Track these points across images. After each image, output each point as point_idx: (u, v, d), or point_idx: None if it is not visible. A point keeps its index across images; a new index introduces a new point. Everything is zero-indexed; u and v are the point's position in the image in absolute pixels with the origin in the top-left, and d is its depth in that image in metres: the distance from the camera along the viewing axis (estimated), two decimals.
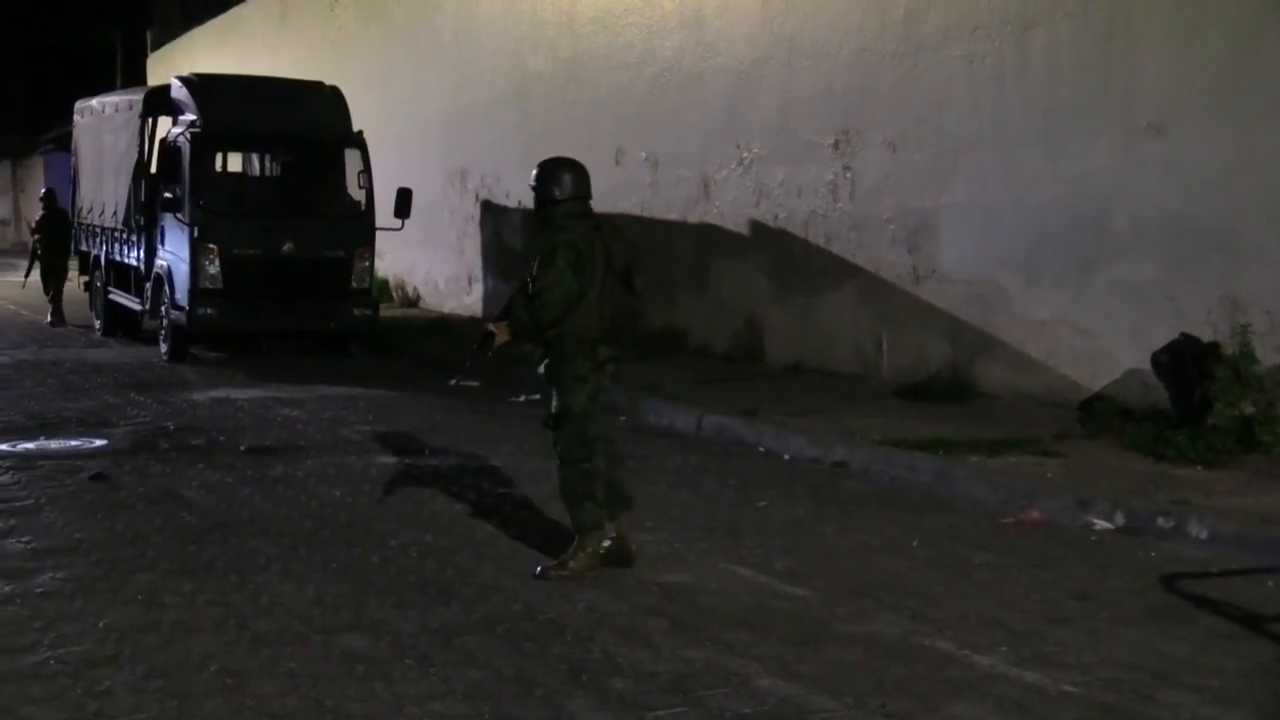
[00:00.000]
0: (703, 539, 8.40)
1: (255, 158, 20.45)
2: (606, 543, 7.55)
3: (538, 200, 7.63)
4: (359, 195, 17.92)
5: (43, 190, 25.31)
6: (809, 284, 15.10)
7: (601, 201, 19.61)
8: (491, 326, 7.69)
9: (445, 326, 20.14)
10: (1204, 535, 8.27)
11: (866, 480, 10.29)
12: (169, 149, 17.87)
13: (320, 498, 9.54)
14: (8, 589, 7.22)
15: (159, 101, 19.28)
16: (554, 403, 7.58)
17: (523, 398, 14.18)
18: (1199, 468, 9.68)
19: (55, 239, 23.21)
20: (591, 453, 7.49)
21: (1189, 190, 11.15)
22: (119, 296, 20.08)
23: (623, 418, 10.21)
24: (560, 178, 7.61)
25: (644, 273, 8.03)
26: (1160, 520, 8.54)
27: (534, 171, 7.71)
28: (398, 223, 17.94)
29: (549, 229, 7.52)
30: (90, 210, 21.54)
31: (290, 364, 17.08)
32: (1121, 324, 11.67)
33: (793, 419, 11.90)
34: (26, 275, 24.57)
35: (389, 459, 11.02)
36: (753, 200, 15.93)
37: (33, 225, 24.83)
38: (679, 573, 7.62)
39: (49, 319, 22.27)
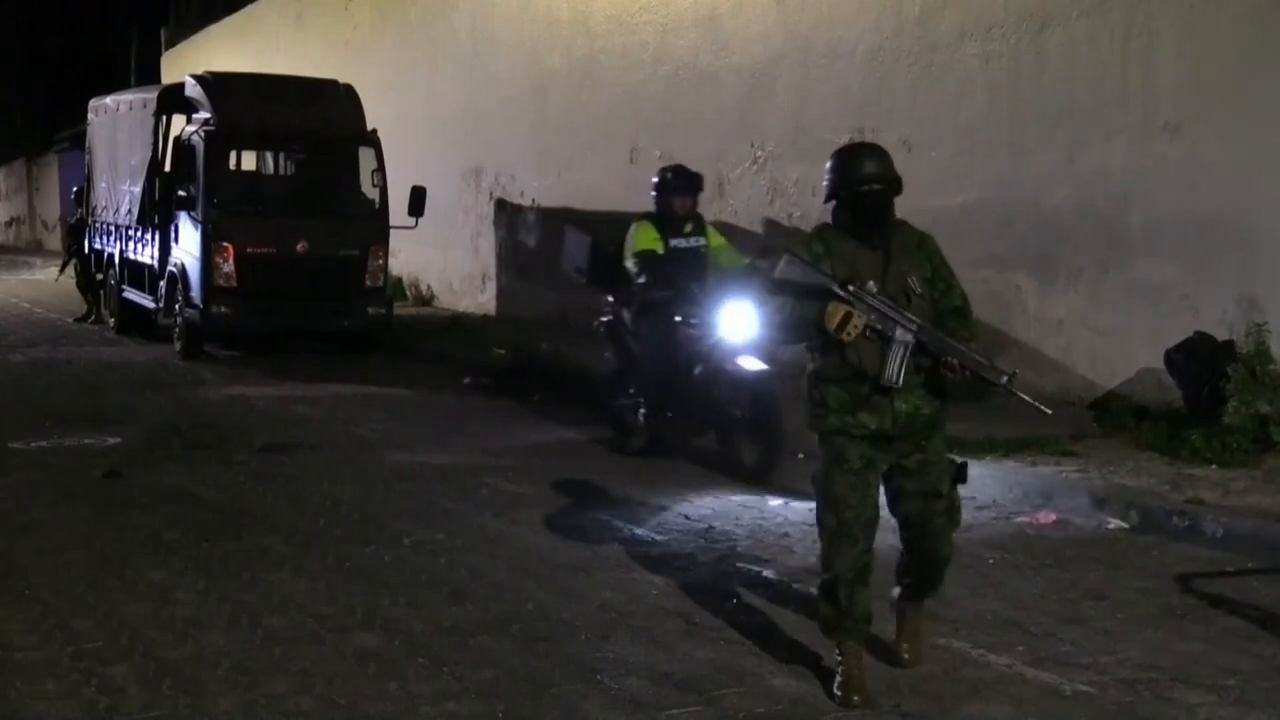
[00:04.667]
0: (715, 539, 8.37)
1: (269, 156, 20.44)
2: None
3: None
4: (373, 194, 17.92)
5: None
6: None
7: (617, 200, 19.68)
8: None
9: (459, 325, 20.12)
10: (1219, 534, 8.22)
11: None
12: (183, 147, 17.90)
13: (333, 496, 9.53)
14: (21, 585, 7.24)
15: (173, 100, 19.30)
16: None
17: (536, 397, 14.17)
18: (1214, 467, 9.62)
19: None
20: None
21: (1206, 189, 11.10)
22: (133, 294, 20.10)
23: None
24: None
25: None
26: (1175, 520, 8.50)
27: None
28: (412, 221, 17.95)
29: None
30: (104, 208, 21.58)
31: (305, 362, 17.07)
32: (1137, 323, 11.62)
33: None
34: (61, 270, 24.45)
35: (402, 457, 11.01)
36: (767, 199, 15.89)
37: (72, 222, 24.66)
38: (691, 573, 7.61)
39: (90, 317, 22.23)
